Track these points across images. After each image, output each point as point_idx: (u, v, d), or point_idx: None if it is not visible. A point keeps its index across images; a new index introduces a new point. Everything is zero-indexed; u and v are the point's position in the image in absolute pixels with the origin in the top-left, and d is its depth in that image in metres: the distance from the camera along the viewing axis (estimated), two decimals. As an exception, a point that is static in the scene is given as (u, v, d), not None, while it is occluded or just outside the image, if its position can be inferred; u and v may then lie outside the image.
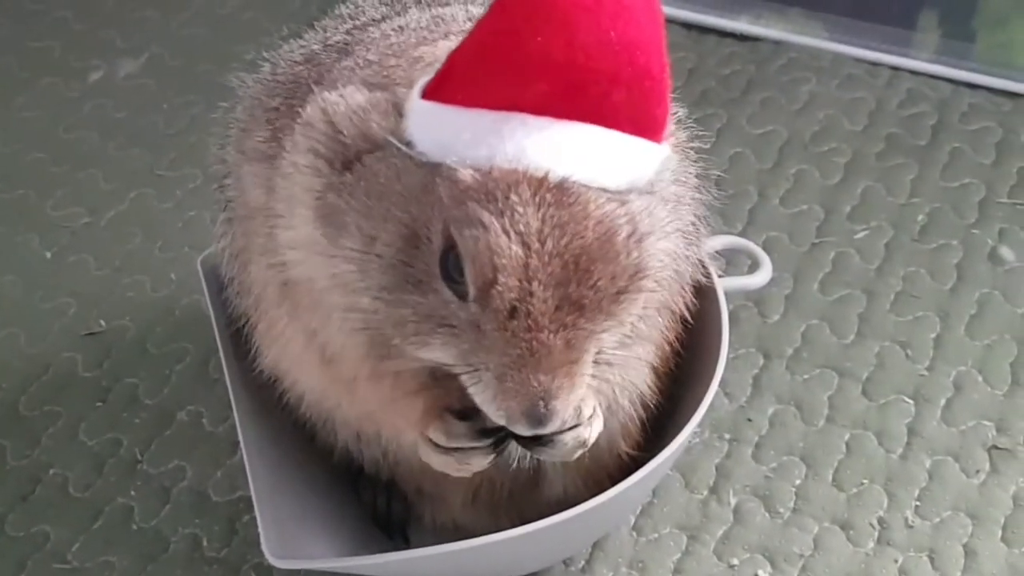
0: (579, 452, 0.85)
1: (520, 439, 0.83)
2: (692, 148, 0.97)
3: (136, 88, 1.59)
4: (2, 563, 1.09)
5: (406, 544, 1.08)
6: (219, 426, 1.18)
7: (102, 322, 1.29)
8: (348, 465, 1.06)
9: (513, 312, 0.74)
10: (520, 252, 0.73)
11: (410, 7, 0.96)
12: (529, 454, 0.86)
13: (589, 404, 0.84)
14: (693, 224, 0.95)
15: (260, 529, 0.90)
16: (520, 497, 1.03)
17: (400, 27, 0.89)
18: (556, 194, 0.74)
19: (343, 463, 1.06)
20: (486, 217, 0.73)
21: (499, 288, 0.74)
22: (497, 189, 0.73)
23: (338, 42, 0.92)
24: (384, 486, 1.08)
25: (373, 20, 0.95)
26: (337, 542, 1.01)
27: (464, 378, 0.78)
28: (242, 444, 0.97)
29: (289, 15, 1.61)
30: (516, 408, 0.75)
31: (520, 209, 0.73)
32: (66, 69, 1.61)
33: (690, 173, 0.95)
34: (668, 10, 1.60)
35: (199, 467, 1.15)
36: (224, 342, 1.03)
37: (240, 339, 1.01)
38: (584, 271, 0.74)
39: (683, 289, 0.98)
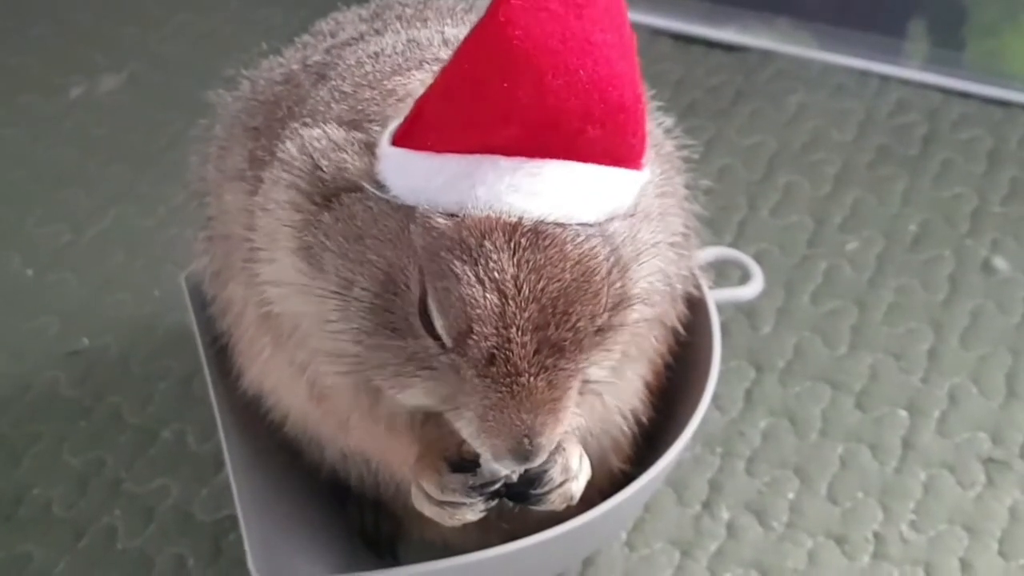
0: (566, 504, 0.84)
1: (509, 495, 0.82)
2: (680, 158, 0.96)
3: (117, 105, 1.57)
4: (-16, 585, 1.07)
5: (395, 562, 1.06)
6: (203, 444, 1.16)
7: (85, 340, 1.27)
8: (335, 483, 1.05)
9: (492, 359, 0.73)
10: (496, 300, 0.72)
11: (389, 25, 0.95)
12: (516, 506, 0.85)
13: (575, 456, 0.84)
14: (683, 235, 0.94)
15: (246, 546, 0.89)
16: (510, 514, 1.01)
17: (375, 53, 0.87)
18: (531, 238, 0.72)
19: (330, 481, 1.04)
20: (458, 267, 0.72)
21: (475, 337, 0.73)
22: (471, 237, 0.72)
23: (317, 62, 0.91)
24: (372, 504, 1.07)
25: (352, 39, 0.93)
26: (325, 560, 0.99)
27: (448, 415, 0.77)
28: (227, 461, 0.95)
29: (270, 30, 1.59)
30: (501, 446, 0.75)
31: (495, 256, 0.72)
32: (46, 86, 1.60)
33: (678, 183, 0.94)
34: (655, 21, 1.63)
35: (183, 486, 1.13)
36: (208, 359, 1.01)
37: (224, 356, 0.99)
38: (563, 313, 0.73)
39: (675, 302, 0.97)
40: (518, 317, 0.72)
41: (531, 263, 0.72)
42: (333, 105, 0.83)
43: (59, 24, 1.70)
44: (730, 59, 1.59)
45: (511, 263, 0.72)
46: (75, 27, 1.69)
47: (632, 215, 0.78)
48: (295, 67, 0.92)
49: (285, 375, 0.90)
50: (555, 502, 0.83)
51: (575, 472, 0.83)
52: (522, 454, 0.75)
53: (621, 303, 0.77)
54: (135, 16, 1.70)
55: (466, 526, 1.00)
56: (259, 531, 0.92)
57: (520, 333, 0.73)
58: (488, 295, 0.72)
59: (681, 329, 0.99)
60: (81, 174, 1.47)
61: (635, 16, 1.62)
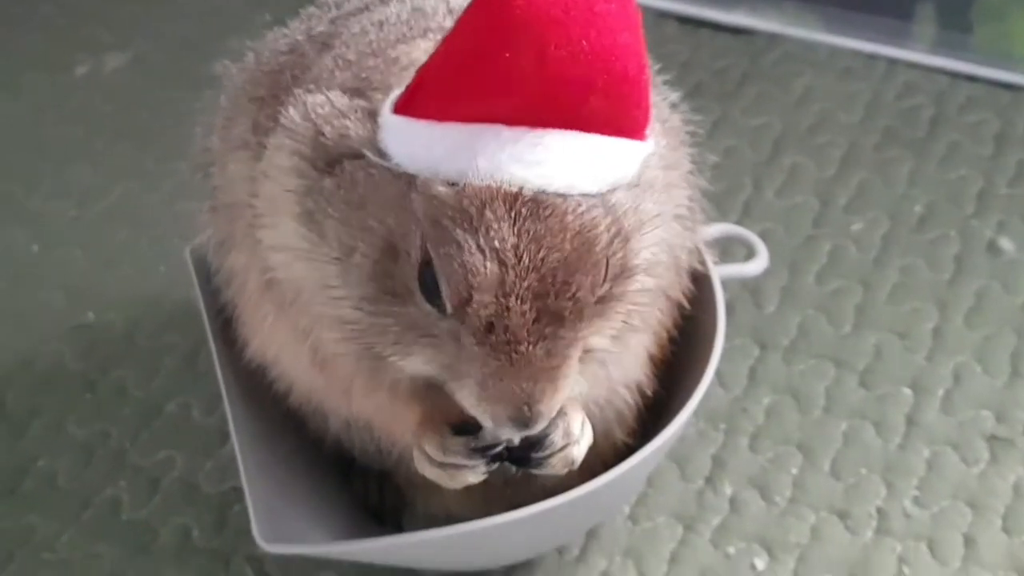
0: (568, 469, 0.84)
1: (511, 458, 0.82)
2: (686, 132, 0.96)
3: (123, 83, 1.57)
4: (-12, 555, 1.07)
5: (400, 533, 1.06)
6: (208, 417, 1.17)
7: (90, 314, 1.27)
8: (340, 454, 1.05)
9: (491, 327, 0.73)
10: (496, 269, 0.72)
11: None
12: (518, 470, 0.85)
13: (577, 421, 0.84)
14: (688, 208, 0.94)
15: (251, 513, 0.89)
16: (515, 486, 1.01)
17: (380, 22, 0.87)
18: (532, 207, 0.72)
19: (335, 452, 1.04)
20: (460, 235, 0.72)
21: (475, 305, 0.73)
22: (471, 206, 0.72)
23: (321, 33, 0.91)
24: (376, 475, 1.07)
25: (357, 9, 0.93)
26: (329, 529, 0.99)
27: (448, 385, 0.78)
28: (232, 430, 0.95)
29: (277, 6, 1.59)
30: (502, 412, 0.75)
31: (495, 225, 0.72)
32: (51, 65, 1.60)
33: (683, 156, 0.94)
34: (661, 4, 1.63)
35: (189, 458, 1.14)
36: (213, 330, 1.01)
37: (229, 328, 0.99)
38: (563, 283, 0.73)
39: (680, 275, 0.97)
40: (518, 286, 0.72)
41: (531, 232, 0.72)
42: (337, 73, 0.83)
43: (64, 3, 1.70)
44: (737, 42, 1.58)
45: (511, 232, 0.72)
46: (80, 6, 1.69)
47: (636, 186, 0.78)
48: (300, 38, 0.93)
49: (288, 342, 0.90)
50: (556, 466, 0.83)
51: (577, 437, 0.83)
52: (522, 421, 0.75)
53: (622, 273, 0.77)
54: (140, -7, 1.71)
55: (470, 497, 1.00)
56: (263, 500, 0.92)
57: (519, 302, 0.73)
58: (488, 264, 0.72)
59: (686, 303, 0.99)
60: (87, 151, 1.47)
61: (642, -3, 1.63)
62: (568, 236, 0.73)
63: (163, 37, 1.63)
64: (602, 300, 0.77)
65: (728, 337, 1.12)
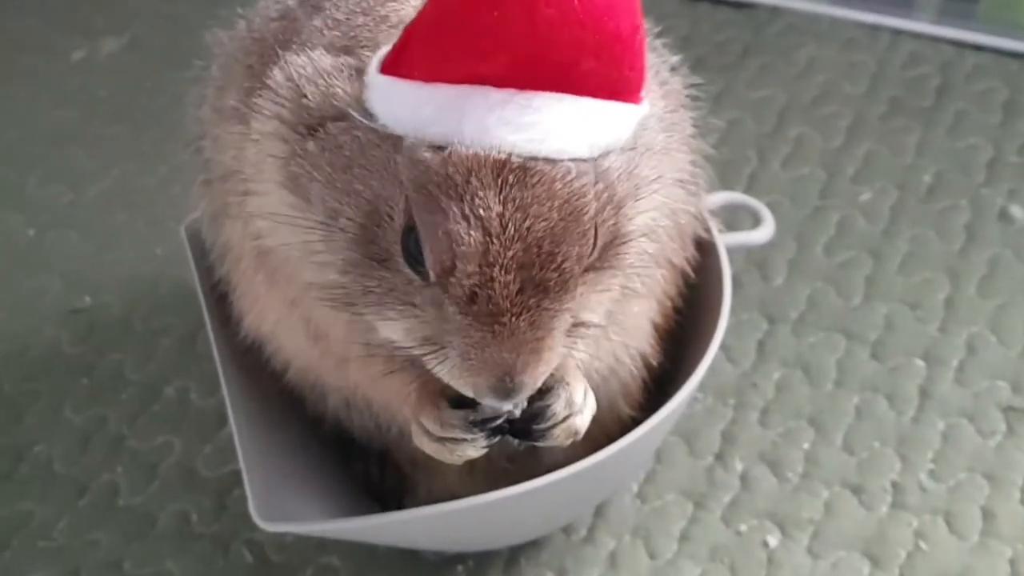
0: (571, 440, 0.82)
1: (512, 431, 0.80)
2: (687, 95, 0.94)
3: (119, 66, 1.55)
4: (-15, 543, 1.05)
5: (401, 515, 1.04)
6: (207, 400, 1.15)
7: (87, 298, 1.25)
8: (340, 435, 1.03)
9: (473, 297, 0.71)
10: (480, 237, 0.70)
11: None
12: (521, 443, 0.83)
13: (579, 390, 0.81)
14: (691, 172, 0.92)
15: (247, 491, 0.87)
16: (519, 465, 0.99)
17: None
18: (519, 175, 0.70)
19: (334, 432, 1.02)
20: (444, 202, 0.70)
21: (458, 274, 0.71)
22: (457, 173, 0.70)
23: None
24: (377, 456, 1.05)
25: None
26: (329, 511, 0.97)
27: (428, 359, 0.75)
28: (229, 408, 0.93)
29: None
30: (483, 383, 0.73)
31: (481, 193, 0.70)
32: (48, 49, 1.58)
33: (684, 119, 0.92)
34: (660, -19, 1.59)
35: (187, 442, 1.12)
36: (209, 307, 0.99)
37: (225, 305, 0.97)
38: (548, 253, 0.71)
39: (684, 243, 0.95)
40: (502, 256, 0.70)
41: (517, 201, 0.70)
42: (325, 32, 0.81)
43: (60, -13, 1.68)
44: (737, 15, 1.56)
45: (497, 200, 0.70)
46: (76, -10, 1.67)
47: (632, 149, 0.76)
48: (291, 3, 0.90)
49: (282, 315, 0.88)
50: (559, 437, 0.81)
51: (579, 407, 0.81)
52: (503, 392, 0.73)
53: (614, 241, 0.75)
54: (136, -22, 1.69)
55: (473, 476, 0.99)
56: (261, 479, 0.90)
57: (503, 272, 0.71)
58: (472, 232, 0.70)
59: (690, 271, 0.96)
60: (83, 134, 1.45)
61: (642, -28, 1.60)
62: (556, 204, 0.71)
63: (159, 21, 1.61)
64: (593, 269, 0.75)
65: (736, 311, 1.11)
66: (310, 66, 0.77)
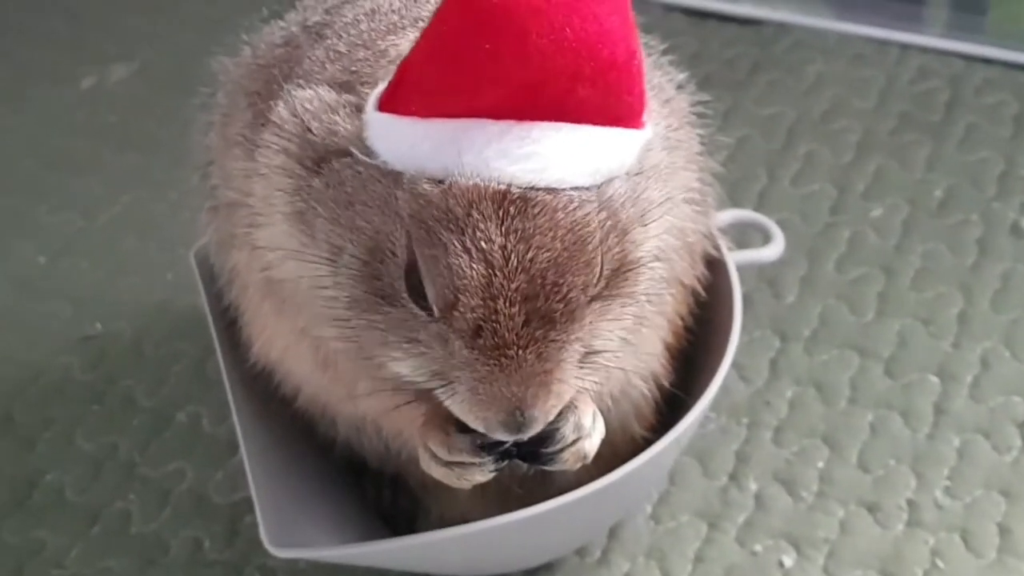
0: (580, 463, 0.81)
1: (520, 455, 0.79)
2: (694, 113, 0.94)
3: (128, 93, 1.56)
4: (-2, 571, 1.05)
5: (414, 539, 1.04)
6: (219, 427, 1.15)
7: (98, 325, 1.25)
8: (351, 459, 1.03)
9: (479, 331, 0.71)
10: (483, 270, 0.70)
11: None
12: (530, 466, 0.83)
13: (588, 414, 0.80)
14: (699, 191, 0.92)
15: (259, 518, 0.86)
16: (531, 488, 0.98)
17: (372, 10, 0.85)
18: (520, 206, 0.70)
19: (346, 457, 1.02)
20: (446, 236, 0.70)
21: (462, 308, 0.70)
22: (457, 205, 0.70)
23: (316, 23, 0.89)
24: (389, 480, 1.04)
25: None
26: (342, 536, 0.97)
27: (438, 392, 0.75)
28: (239, 433, 0.93)
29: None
30: (493, 418, 0.72)
31: (482, 225, 0.70)
32: (57, 77, 1.58)
33: (690, 137, 0.92)
34: (666, -3, 1.60)
35: (199, 469, 1.12)
36: (219, 333, 0.99)
37: (235, 330, 0.97)
38: (553, 284, 0.71)
39: (694, 261, 0.94)
40: (505, 288, 0.70)
41: (519, 232, 0.70)
42: (328, 65, 0.81)
43: (70, 16, 1.69)
44: (745, 32, 1.56)
45: (499, 232, 0.70)
46: (86, 18, 1.68)
47: (638, 173, 0.75)
48: (295, 29, 0.91)
49: (291, 342, 0.88)
50: (568, 461, 0.80)
51: (588, 430, 0.80)
52: (514, 426, 0.73)
53: (621, 268, 0.75)
54: (145, 5, 1.69)
55: (485, 500, 0.98)
56: (272, 504, 0.90)
57: (507, 304, 0.70)
58: (475, 265, 0.70)
59: (701, 290, 0.96)
60: (93, 162, 1.45)
61: (647, -7, 1.60)
62: (559, 235, 0.70)
63: (167, 48, 1.62)
64: (600, 298, 0.74)
65: (748, 329, 1.10)
66: (315, 101, 0.77)
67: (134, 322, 1.25)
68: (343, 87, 0.78)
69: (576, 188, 0.72)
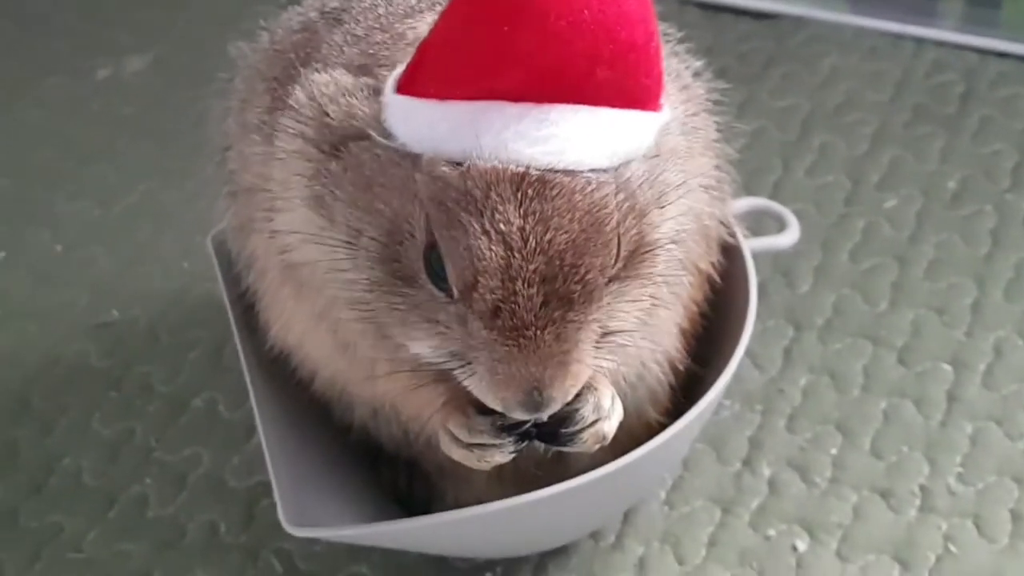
0: (599, 445, 0.82)
1: (539, 436, 0.80)
2: (710, 100, 0.94)
3: (144, 85, 1.57)
4: (17, 554, 1.06)
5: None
6: (235, 412, 1.15)
7: (114, 312, 1.26)
8: (367, 443, 1.03)
9: (497, 312, 0.71)
10: (501, 252, 0.70)
11: None
12: (548, 448, 0.83)
13: (607, 395, 0.81)
14: (716, 178, 0.92)
15: (276, 497, 0.87)
16: (547, 472, 0.98)
17: None
18: (538, 187, 0.70)
19: (362, 441, 1.02)
20: (465, 217, 0.70)
21: (481, 290, 0.71)
22: (476, 187, 0.70)
23: (334, 8, 0.90)
24: (405, 464, 1.05)
25: None
26: (358, 518, 0.97)
27: (457, 372, 0.75)
28: (256, 416, 0.93)
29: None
30: (511, 398, 0.73)
31: (500, 207, 0.70)
32: (73, 68, 1.59)
33: (708, 123, 0.92)
34: (680, -7, 1.59)
35: (215, 453, 1.12)
36: (236, 317, 1.00)
37: (252, 315, 0.98)
38: (571, 266, 0.71)
39: (709, 247, 0.95)
40: (524, 269, 0.70)
41: (538, 214, 0.70)
42: (345, 49, 0.82)
43: (85, 7, 1.69)
44: (760, 26, 1.56)
45: (517, 214, 0.70)
46: (101, 11, 1.69)
47: (655, 156, 0.76)
48: (312, 15, 0.91)
49: (309, 326, 0.88)
50: (587, 442, 0.80)
51: (607, 411, 0.80)
52: (533, 406, 0.73)
53: (638, 250, 0.75)
54: (161, -1, 1.70)
55: (502, 484, 0.99)
56: (289, 485, 0.90)
57: (526, 286, 0.71)
58: (494, 247, 0.70)
59: (717, 276, 0.96)
60: (109, 151, 1.46)
61: (663, -14, 1.60)
62: (576, 216, 0.71)
63: (183, 39, 1.63)
64: (617, 279, 0.75)
65: (762, 318, 1.10)
66: (332, 85, 0.77)
67: (150, 310, 1.26)
68: (360, 70, 0.78)
69: (594, 170, 0.72)
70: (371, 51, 0.80)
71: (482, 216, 0.70)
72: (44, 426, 1.16)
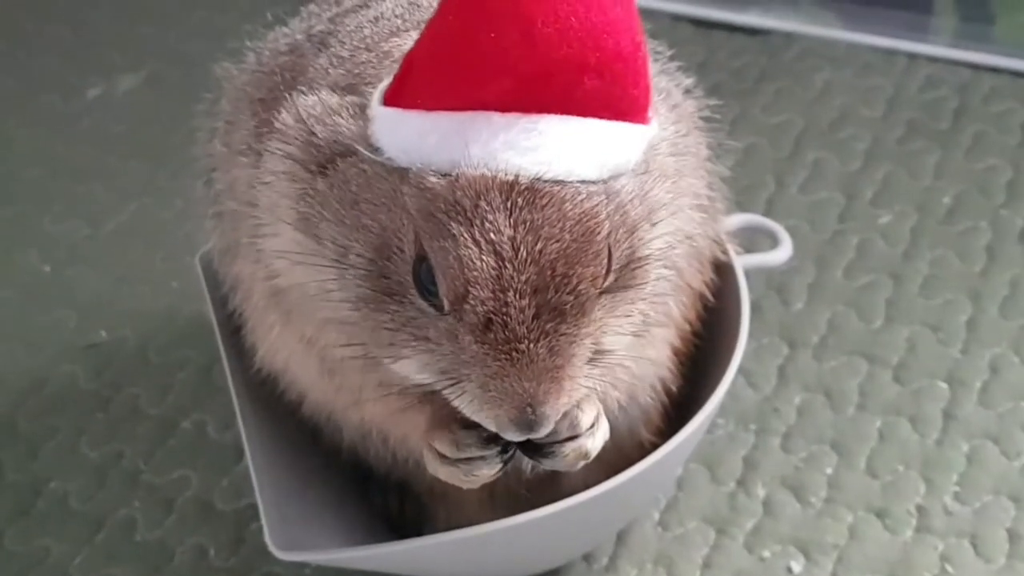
0: (582, 463, 0.80)
1: (523, 448, 0.78)
2: (701, 118, 0.94)
3: (135, 103, 1.56)
4: (2, 579, 1.05)
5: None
6: (224, 433, 1.14)
7: (103, 333, 1.25)
8: (357, 466, 1.02)
9: (489, 324, 0.70)
10: (492, 262, 0.69)
11: None
12: (531, 463, 0.82)
13: (589, 413, 0.79)
14: (708, 197, 0.91)
15: (263, 521, 0.86)
16: (539, 494, 0.98)
17: (375, 17, 0.85)
18: (528, 196, 0.69)
19: (352, 464, 1.01)
20: (454, 228, 0.69)
21: (472, 301, 0.70)
22: (465, 197, 0.69)
23: (320, 31, 0.89)
24: (395, 486, 1.04)
25: (355, 6, 0.91)
26: (347, 542, 0.96)
27: (447, 392, 0.74)
28: (244, 438, 0.92)
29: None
30: (504, 415, 0.71)
31: (490, 216, 0.69)
32: (64, 87, 1.58)
33: (699, 143, 0.91)
34: (674, 7, 1.60)
35: (204, 476, 1.11)
36: (224, 339, 0.99)
37: (241, 337, 0.97)
38: (563, 276, 0.70)
39: (702, 266, 0.94)
40: (515, 280, 0.69)
41: (528, 223, 0.69)
42: (330, 71, 0.81)
43: (77, 25, 1.69)
44: (753, 42, 1.56)
45: (507, 223, 0.69)
46: (93, 28, 1.68)
47: (644, 173, 0.75)
48: (299, 37, 0.91)
49: (296, 351, 0.87)
50: (569, 457, 0.78)
51: (584, 428, 0.78)
52: (526, 424, 0.72)
53: (629, 264, 0.74)
54: (152, 16, 1.69)
55: (493, 505, 0.98)
56: (277, 508, 0.89)
57: (518, 296, 0.70)
58: (484, 257, 0.69)
59: (709, 295, 0.96)
60: (99, 170, 1.45)
61: (654, 2, 1.60)
62: (567, 225, 0.70)
63: (174, 58, 1.62)
64: (609, 292, 0.74)
65: (756, 336, 1.10)
66: (319, 106, 0.77)
67: (139, 330, 1.25)
68: (346, 89, 0.78)
69: (583, 181, 0.71)
70: (357, 71, 0.79)
71: (472, 226, 0.69)
72: (31, 448, 1.15)
